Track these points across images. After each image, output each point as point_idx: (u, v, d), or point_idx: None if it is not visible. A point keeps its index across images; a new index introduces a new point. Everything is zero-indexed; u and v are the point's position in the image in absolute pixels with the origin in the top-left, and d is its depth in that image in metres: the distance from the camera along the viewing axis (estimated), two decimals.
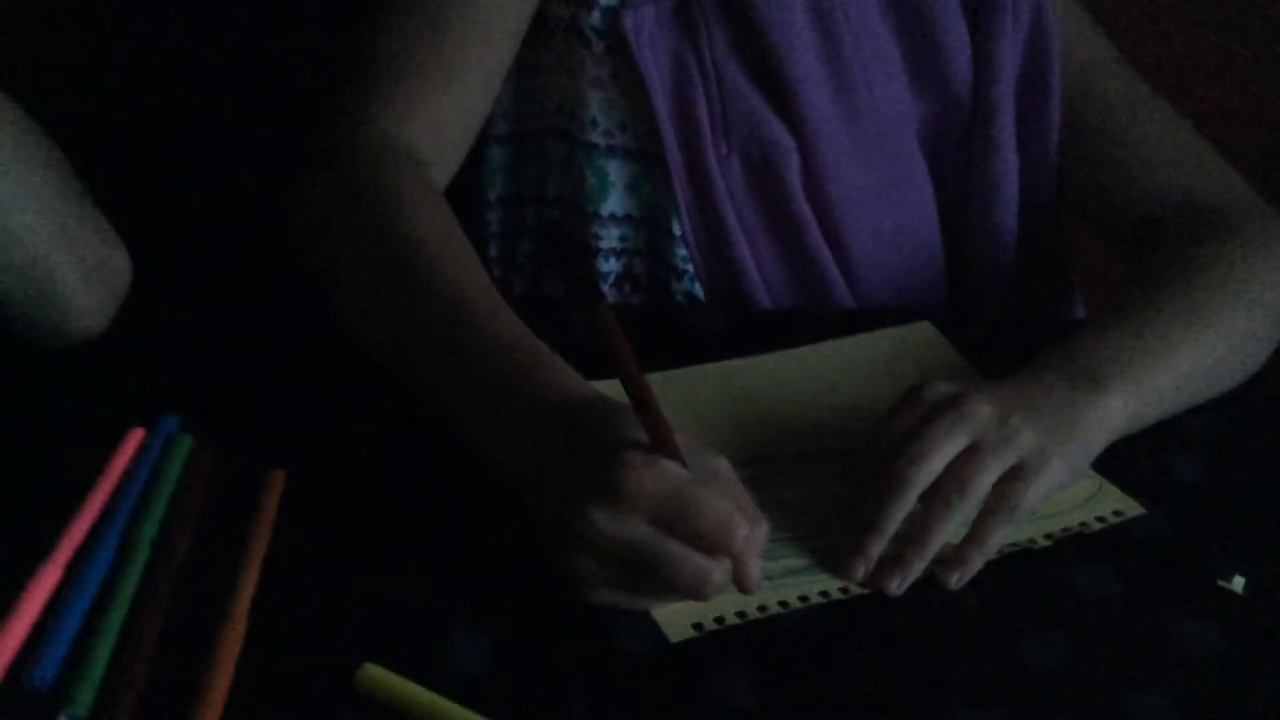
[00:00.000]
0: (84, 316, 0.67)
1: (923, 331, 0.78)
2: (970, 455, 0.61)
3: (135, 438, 0.63)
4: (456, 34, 0.78)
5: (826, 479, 0.65)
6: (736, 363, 0.73)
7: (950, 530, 0.60)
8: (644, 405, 0.56)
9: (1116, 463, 0.67)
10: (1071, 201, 0.89)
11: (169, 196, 0.93)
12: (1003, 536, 0.61)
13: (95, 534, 0.58)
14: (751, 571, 0.57)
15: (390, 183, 0.71)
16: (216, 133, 0.98)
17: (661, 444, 0.56)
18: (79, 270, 0.66)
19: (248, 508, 0.60)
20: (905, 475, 0.60)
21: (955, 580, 0.60)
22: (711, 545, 0.55)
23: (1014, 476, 0.62)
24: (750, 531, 0.56)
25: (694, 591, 0.55)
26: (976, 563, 0.60)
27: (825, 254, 0.83)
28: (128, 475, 0.61)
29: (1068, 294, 0.92)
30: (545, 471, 0.57)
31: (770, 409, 0.69)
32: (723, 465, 0.58)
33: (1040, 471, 0.62)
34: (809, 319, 0.81)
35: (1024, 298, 0.89)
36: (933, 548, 0.60)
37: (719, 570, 0.55)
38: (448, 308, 0.65)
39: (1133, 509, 0.65)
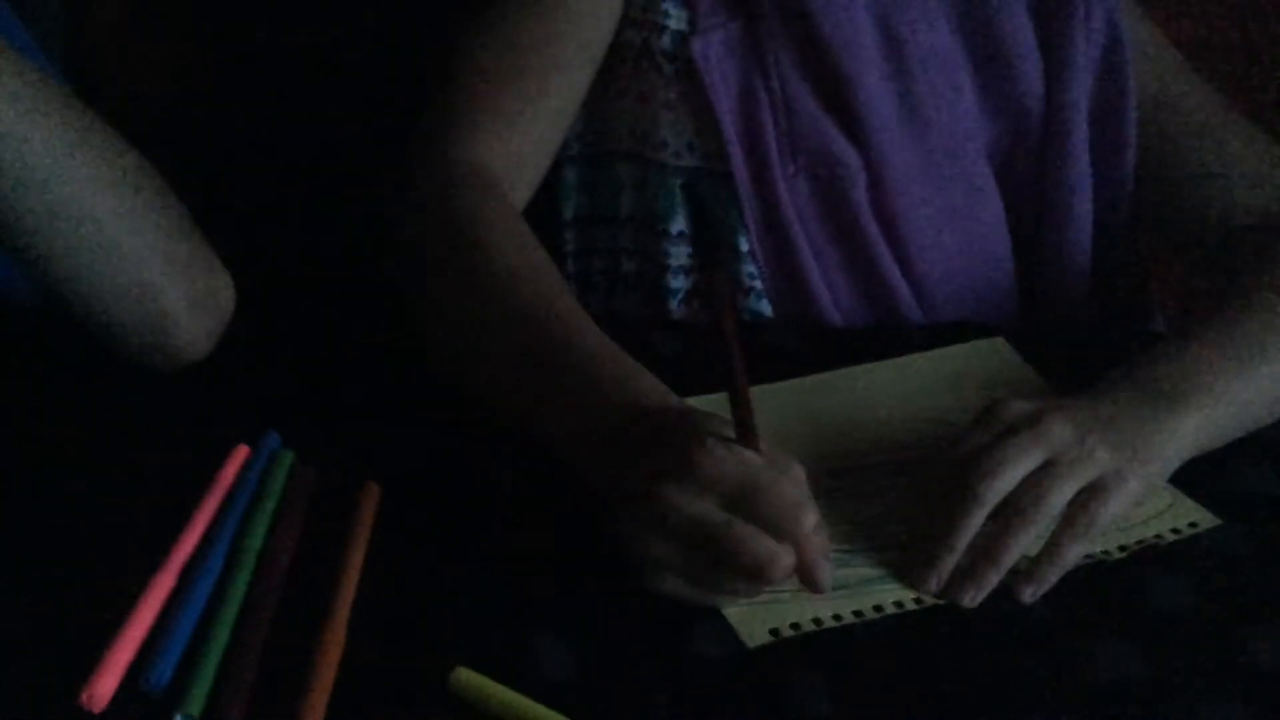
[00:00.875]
0: (189, 343, 0.69)
1: (996, 347, 0.78)
2: (1046, 472, 0.61)
3: (240, 454, 0.65)
4: (537, 62, 0.80)
5: (900, 492, 0.65)
6: (808, 380, 0.74)
7: (1025, 545, 0.60)
8: (736, 391, 0.58)
9: (1191, 475, 0.67)
10: (1148, 216, 0.88)
11: (269, 221, 0.96)
12: (1079, 553, 0.61)
13: (205, 544, 0.60)
14: (819, 570, 0.57)
15: (472, 209, 0.73)
16: (313, 159, 1.01)
17: (745, 434, 0.57)
18: (186, 298, 0.68)
19: (346, 519, 0.62)
20: (978, 490, 0.60)
21: (1030, 594, 0.60)
22: (779, 530, 0.56)
23: (1090, 494, 0.61)
24: (818, 521, 0.57)
25: (759, 573, 0.55)
26: (1052, 578, 0.60)
27: (893, 271, 0.84)
28: (234, 489, 0.63)
29: (1146, 308, 0.92)
30: (626, 459, 0.59)
31: (844, 424, 0.70)
32: (798, 468, 0.59)
33: (1117, 490, 0.61)
34: (877, 335, 0.81)
35: (1101, 312, 0.88)
36: (1007, 563, 0.60)
37: (785, 555, 0.56)
38: (536, 326, 0.67)
39: (1207, 521, 0.65)
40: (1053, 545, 0.61)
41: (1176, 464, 0.66)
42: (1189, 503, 0.66)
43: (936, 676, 0.57)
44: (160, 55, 1.04)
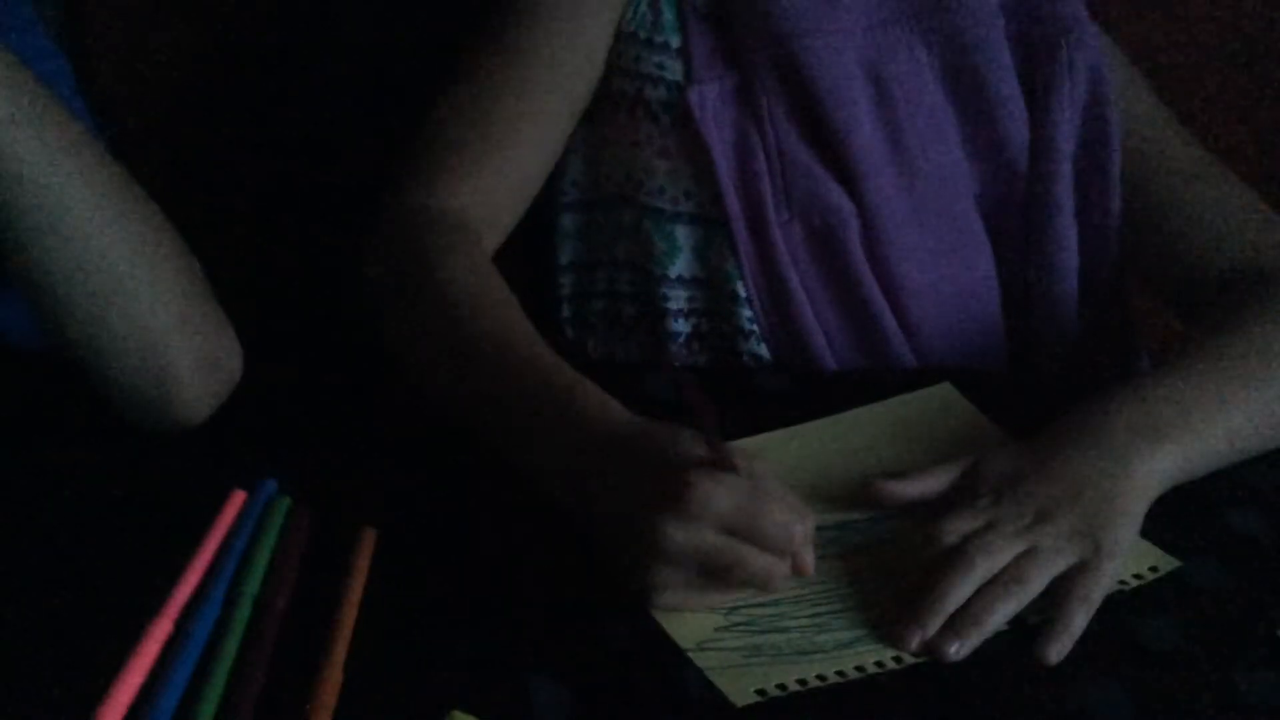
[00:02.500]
0: (191, 406, 0.69)
1: (944, 393, 0.79)
2: (1032, 557, 0.62)
3: (237, 500, 0.66)
4: (510, 108, 0.82)
5: (863, 550, 0.66)
6: (772, 435, 0.74)
7: (1010, 615, 0.61)
8: (707, 428, 0.61)
9: (1174, 515, 0.68)
10: (1134, 264, 0.89)
11: (263, 266, 0.97)
12: (1085, 619, 0.61)
13: (202, 590, 0.61)
14: (807, 560, 0.62)
15: (432, 246, 0.76)
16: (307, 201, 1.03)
17: (720, 460, 0.60)
18: (193, 360, 0.68)
19: (343, 564, 0.62)
20: (974, 563, 0.62)
21: (1055, 655, 0.60)
22: (774, 545, 0.60)
23: (1080, 570, 0.62)
24: (804, 528, 0.61)
25: (764, 584, 0.61)
26: (1068, 644, 0.61)
27: (886, 315, 0.85)
28: (231, 534, 0.64)
29: (1133, 352, 0.92)
30: (609, 494, 0.62)
31: (804, 481, 0.69)
32: (766, 467, 0.62)
33: (1101, 565, 0.62)
34: (871, 378, 0.82)
35: (1089, 356, 0.89)
36: (989, 629, 0.61)
37: (782, 565, 0.61)
38: (492, 355, 0.69)
39: (1167, 564, 0.66)
40: (1061, 617, 0.61)
41: (1149, 503, 0.67)
42: (1149, 547, 0.67)
43: None
44: (163, 51, 1.06)
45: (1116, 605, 0.63)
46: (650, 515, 0.59)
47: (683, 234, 0.86)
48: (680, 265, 0.86)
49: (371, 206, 0.80)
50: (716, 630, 0.61)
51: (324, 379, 0.79)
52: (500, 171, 0.82)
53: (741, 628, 0.61)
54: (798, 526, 0.60)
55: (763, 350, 0.86)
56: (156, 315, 0.67)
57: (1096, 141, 0.87)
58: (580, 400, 0.65)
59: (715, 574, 0.60)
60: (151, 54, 1.07)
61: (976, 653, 0.60)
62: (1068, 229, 0.87)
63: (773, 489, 0.61)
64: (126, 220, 0.67)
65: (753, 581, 0.61)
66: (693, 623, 0.61)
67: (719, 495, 0.59)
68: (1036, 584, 0.62)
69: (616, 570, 0.61)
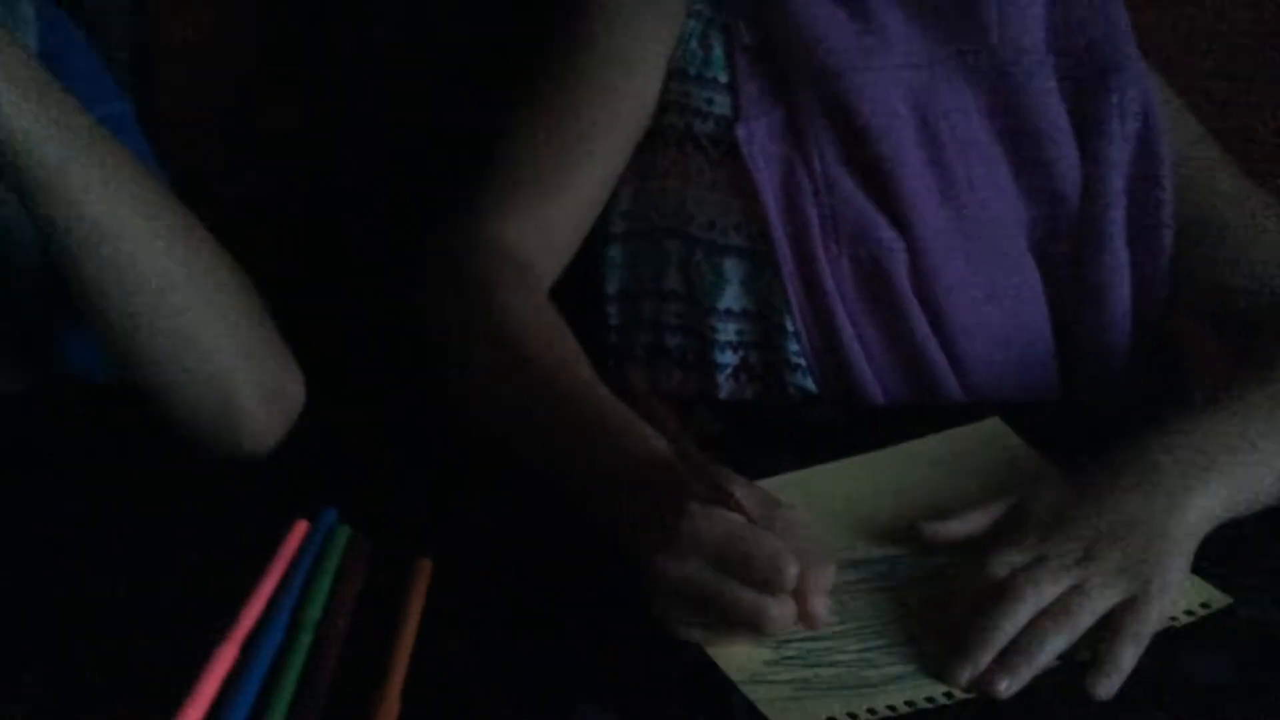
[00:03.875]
0: (255, 436, 0.70)
1: (993, 428, 0.78)
2: (1082, 592, 0.62)
3: (300, 529, 0.68)
4: (571, 143, 0.84)
5: (912, 584, 0.66)
6: (816, 470, 0.74)
7: (1060, 649, 0.61)
8: (691, 460, 0.61)
9: (1225, 552, 0.68)
10: (1184, 297, 0.88)
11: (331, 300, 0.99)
12: (1135, 655, 0.61)
13: (267, 616, 0.62)
14: (816, 608, 0.60)
15: (490, 280, 0.78)
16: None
17: (717, 495, 0.61)
18: (258, 392, 0.70)
19: (400, 592, 0.64)
20: (1024, 597, 0.61)
21: (1105, 691, 0.60)
22: (765, 582, 0.59)
23: (1129, 606, 0.62)
24: (803, 569, 0.59)
25: (753, 625, 0.59)
26: (1118, 681, 0.61)
27: (935, 350, 0.85)
28: (294, 563, 0.66)
29: (1184, 386, 0.92)
30: (630, 526, 0.63)
31: (853, 514, 0.70)
32: (797, 514, 0.62)
33: (1150, 601, 0.62)
34: (918, 412, 0.82)
35: (1140, 390, 0.89)
36: (1042, 662, 0.61)
37: (775, 605, 0.59)
38: (540, 386, 0.71)
39: (1219, 600, 0.66)
40: (1110, 655, 0.61)
41: (1199, 539, 0.67)
42: (1201, 583, 0.67)
43: None
44: (228, 96, 1.09)
45: (1167, 641, 0.63)
46: (648, 549, 0.60)
47: (731, 267, 0.87)
48: (728, 298, 0.87)
49: (431, 239, 0.82)
50: (766, 663, 0.62)
51: (383, 411, 0.80)
52: (558, 208, 0.84)
53: (792, 661, 0.62)
54: (791, 567, 0.58)
55: (809, 383, 0.86)
56: (222, 348, 0.69)
57: (1147, 177, 0.87)
58: (623, 436, 0.66)
59: (710, 611, 0.60)
60: (216, 97, 1.10)
61: (1026, 689, 0.60)
62: (1119, 264, 0.87)
63: (784, 526, 0.60)
64: (191, 257, 0.69)
65: (743, 621, 0.59)
66: (743, 655, 0.62)
67: (707, 529, 0.59)
68: (1086, 619, 0.62)
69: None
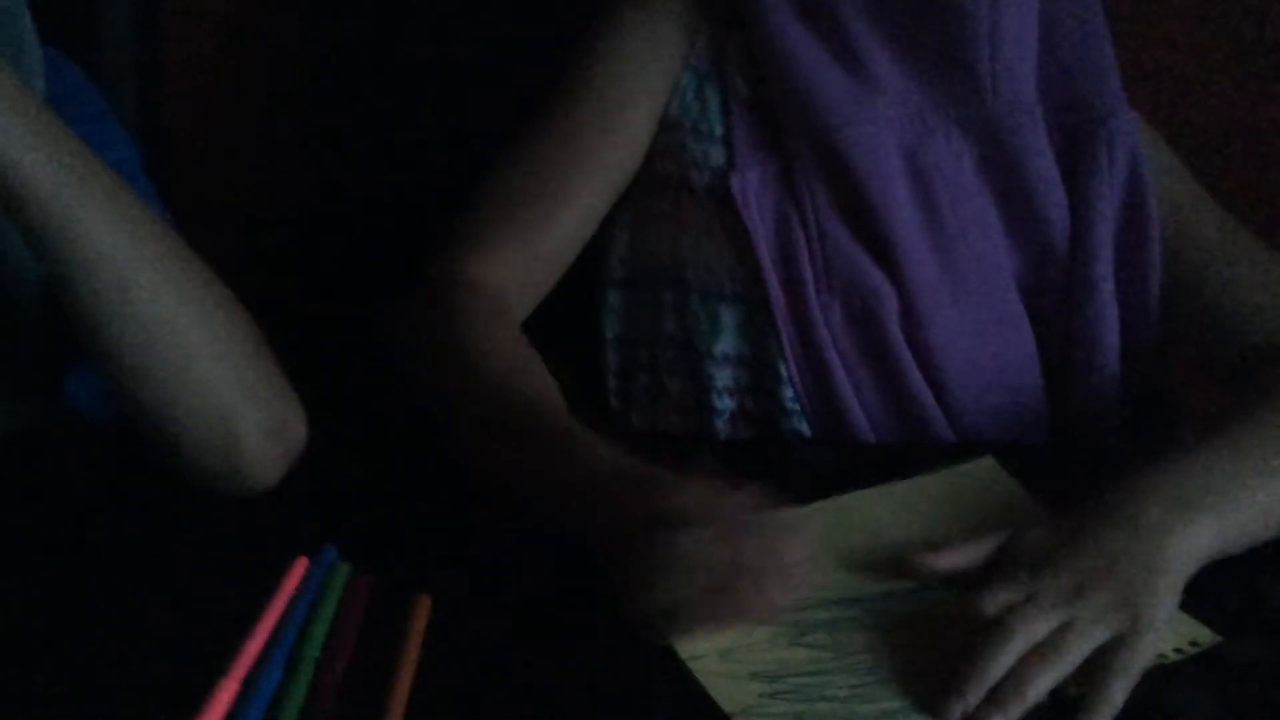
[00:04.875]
0: (257, 473, 0.71)
1: (986, 467, 0.79)
2: (1072, 628, 0.63)
3: (300, 566, 0.68)
4: (551, 187, 0.87)
5: (905, 621, 0.67)
6: (811, 507, 0.75)
7: (1051, 685, 0.62)
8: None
9: (1213, 590, 0.68)
10: (1173, 340, 0.89)
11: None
12: (1124, 692, 0.62)
13: (267, 653, 0.62)
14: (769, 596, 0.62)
15: (465, 313, 0.80)
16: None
17: (682, 506, 0.62)
18: (260, 429, 0.70)
19: (399, 629, 0.64)
20: (1014, 634, 0.62)
21: None
22: (721, 588, 0.61)
23: (1118, 643, 0.63)
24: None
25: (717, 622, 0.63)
26: (1107, 717, 0.61)
27: (926, 393, 0.86)
28: (294, 600, 0.66)
29: (1175, 426, 0.93)
30: (596, 540, 0.65)
31: (844, 552, 0.71)
32: (789, 515, 0.64)
33: (1139, 638, 0.63)
34: (913, 453, 0.83)
35: (1131, 431, 0.90)
36: (1030, 700, 0.61)
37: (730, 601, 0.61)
38: (506, 409, 0.73)
39: (1207, 639, 0.66)
40: (1100, 691, 0.62)
41: (1187, 579, 0.67)
42: (1190, 621, 0.67)
43: None
44: (234, 137, 1.10)
45: (1155, 679, 0.64)
46: (640, 579, 0.62)
47: (726, 313, 0.88)
48: (724, 343, 0.89)
49: (413, 272, 0.84)
50: (761, 697, 0.62)
51: (383, 449, 0.81)
52: (536, 248, 0.86)
53: (787, 695, 0.62)
54: (743, 578, 0.61)
55: (804, 428, 0.87)
56: (225, 385, 0.69)
57: (1136, 223, 0.88)
58: (585, 450, 0.69)
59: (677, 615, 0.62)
60: (223, 139, 1.11)
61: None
62: (1108, 309, 0.88)
63: (775, 533, 0.63)
64: (194, 295, 0.70)
65: (707, 619, 0.62)
66: (737, 689, 0.62)
67: (669, 547, 0.60)
68: (1076, 655, 0.63)
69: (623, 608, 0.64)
